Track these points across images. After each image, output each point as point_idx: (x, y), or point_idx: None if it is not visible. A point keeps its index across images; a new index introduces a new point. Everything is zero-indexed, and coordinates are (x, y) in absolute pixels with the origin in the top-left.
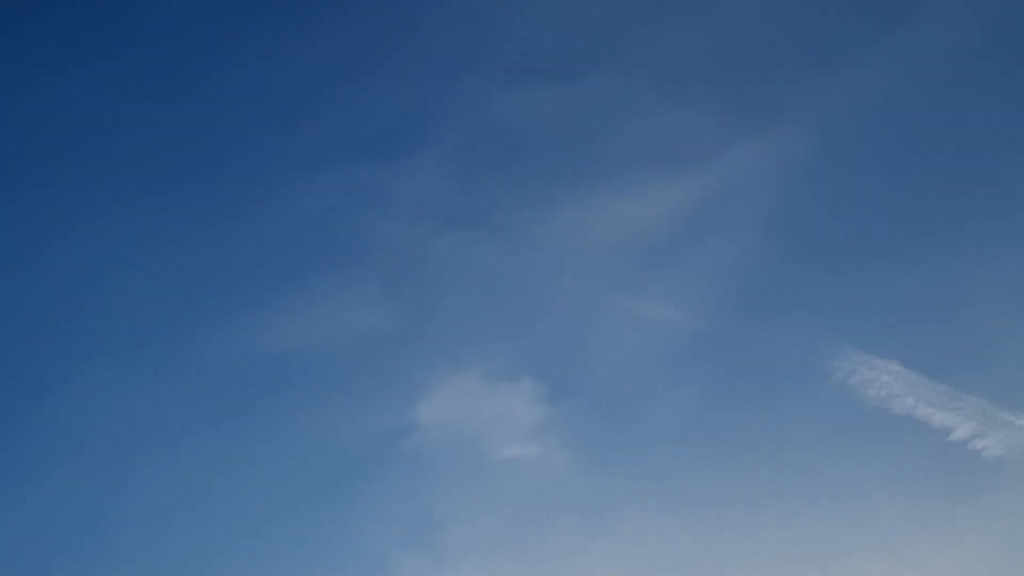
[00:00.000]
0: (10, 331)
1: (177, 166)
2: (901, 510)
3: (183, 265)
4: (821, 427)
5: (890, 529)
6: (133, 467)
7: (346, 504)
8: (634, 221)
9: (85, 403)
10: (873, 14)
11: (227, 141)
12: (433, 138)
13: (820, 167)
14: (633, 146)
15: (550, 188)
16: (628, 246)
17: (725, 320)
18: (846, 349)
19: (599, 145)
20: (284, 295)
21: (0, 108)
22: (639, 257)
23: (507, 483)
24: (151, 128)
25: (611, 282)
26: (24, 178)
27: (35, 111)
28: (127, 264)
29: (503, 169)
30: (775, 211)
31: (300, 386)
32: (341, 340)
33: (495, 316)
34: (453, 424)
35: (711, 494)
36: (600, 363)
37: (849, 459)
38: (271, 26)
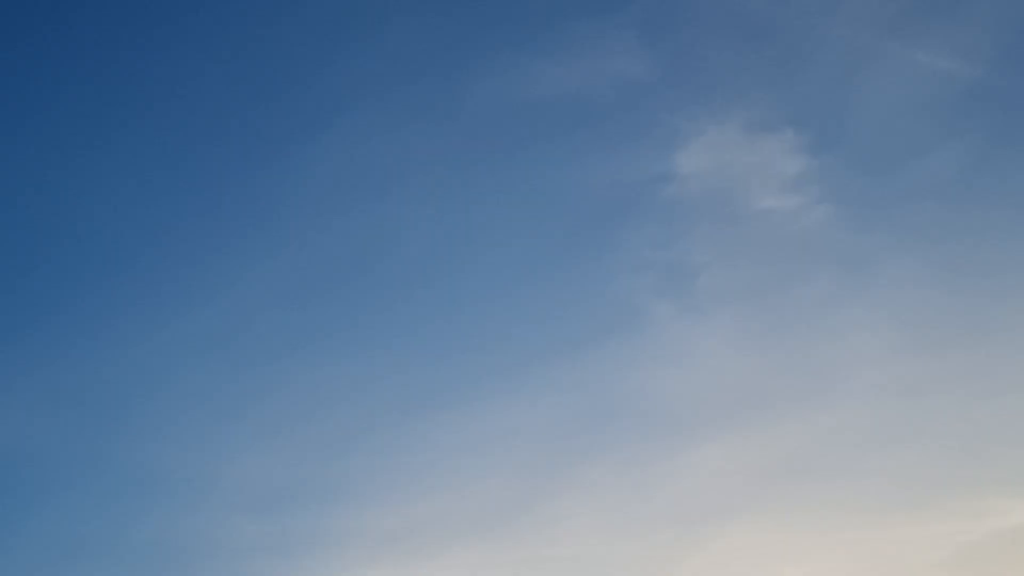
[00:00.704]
0: (279, 68)
1: None
2: None
3: (444, 9)
4: None
5: None
6: (397, 207)
7: (601, 250)
8: None
9: (351, 144)
10: None
11: None
12: None
13: None
14: None
15: None
16: None
17: (1007, 70)
18: None
19: None
20: (542, 41)
21: None
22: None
23: (763, 234)
24: None
25: (882, 27)
26: None
27: None
28: (394, 8)
29: None
30: None
31: (558, 132)
32: (599, 87)
33: (757, 63)
34: (710, 174)
35: (977, 254)
36: (866, 113)
37: None
38: None
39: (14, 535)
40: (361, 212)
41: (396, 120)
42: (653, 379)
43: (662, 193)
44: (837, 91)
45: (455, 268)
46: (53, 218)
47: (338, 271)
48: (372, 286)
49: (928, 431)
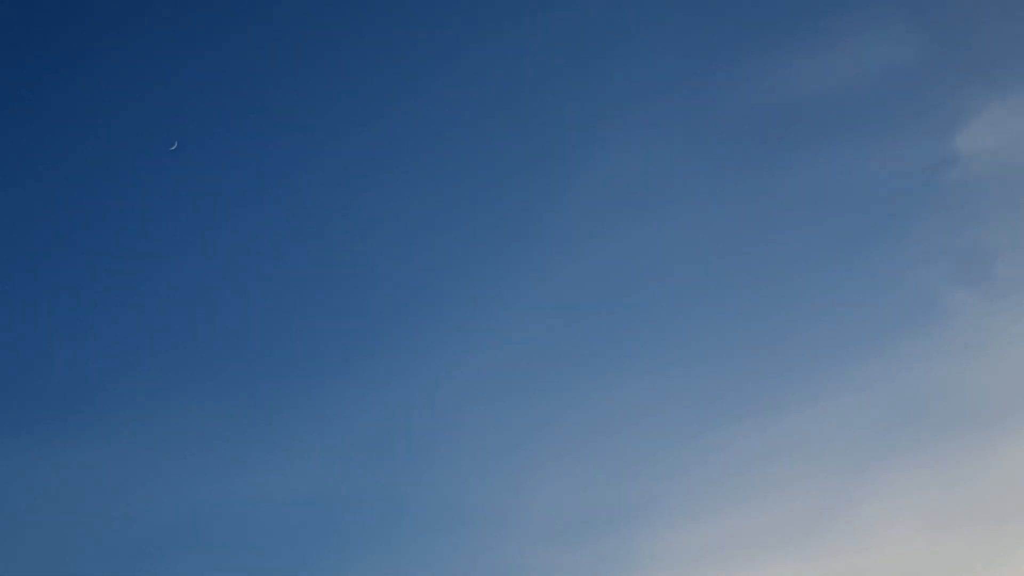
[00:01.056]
0: (534, 92)
1: None
2: None
3: (692, 17)
4: None
5: None
6: (672, 217)
7: (889, 243)
8: None
9: (617, 159)
10: None
11: None
12: None
13: None
14: None
15: None
16: None
17: None
18: None
19: None
20: (799, 40)
21: None
22: None
23: None
24: None
25: None
26: None
27: None
28: (642, 21)
29: None
30: None
31: (832, 127)
32: (865, 77)
33: None
34: (997, 152)
35: None
36: None
37: None
38: None
39: None
40: (634, 225)
41: (658, 132)
42: (957, 371)
43: (946, 177)
44: None
45: (742, 275)
46: (349, 274)
47: (618, 287)
48: (654, 299)
49: None
